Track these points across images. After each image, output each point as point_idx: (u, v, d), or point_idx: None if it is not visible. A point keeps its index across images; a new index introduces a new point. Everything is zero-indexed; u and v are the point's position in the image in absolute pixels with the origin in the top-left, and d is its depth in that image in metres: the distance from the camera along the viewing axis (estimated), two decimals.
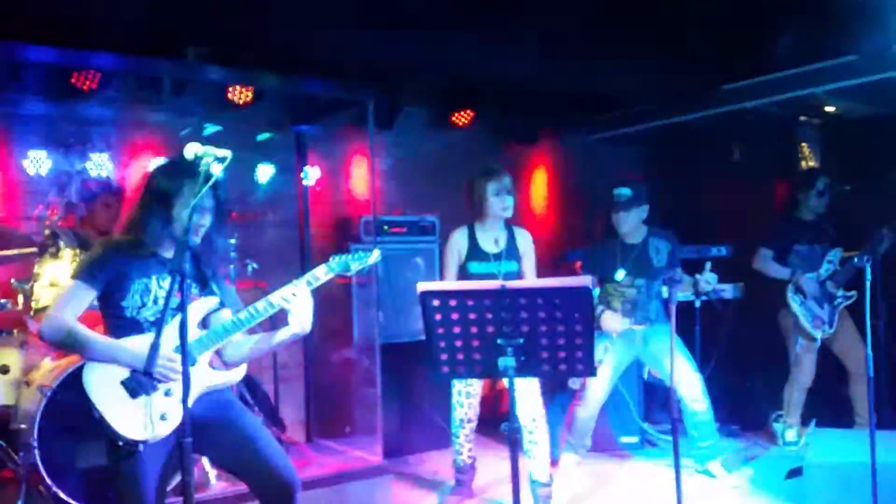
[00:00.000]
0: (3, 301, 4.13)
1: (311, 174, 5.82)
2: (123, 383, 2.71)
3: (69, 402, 3.75)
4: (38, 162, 4.82)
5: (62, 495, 3.57)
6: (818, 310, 5.20)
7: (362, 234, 5.59)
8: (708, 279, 4.41)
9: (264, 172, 5.62)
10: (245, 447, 2.88)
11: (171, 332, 2.69)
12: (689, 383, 4.68)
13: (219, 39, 4.65)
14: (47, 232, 4.32)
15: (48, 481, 3.56)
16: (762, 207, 5.61)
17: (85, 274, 2.77)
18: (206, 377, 2.85)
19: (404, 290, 5.72)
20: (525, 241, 4.38)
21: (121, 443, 2.67)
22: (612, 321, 4.68)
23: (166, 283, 2.81)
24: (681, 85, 5.88)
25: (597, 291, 4.91)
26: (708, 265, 4.43)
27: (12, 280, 4.26)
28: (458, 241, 4.32)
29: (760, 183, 5.98)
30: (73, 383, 3.73)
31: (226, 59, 4.79)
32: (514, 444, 2.66)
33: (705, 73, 5.64)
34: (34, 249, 4.20)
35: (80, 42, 4.27)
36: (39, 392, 3.68)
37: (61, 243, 4.17)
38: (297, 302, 2.82)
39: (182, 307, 2.45)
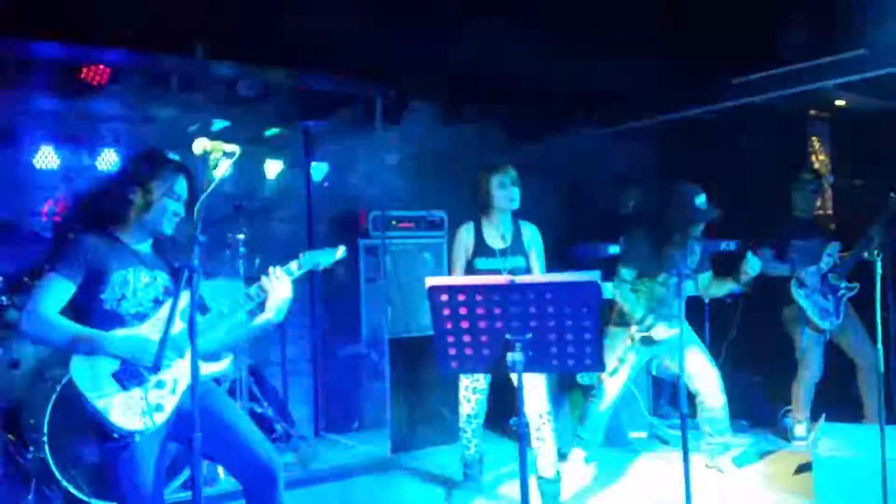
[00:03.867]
0: (13, 296, 4.14)
1: (319, 169, 5.82)
2: (115, 375, 2.70)
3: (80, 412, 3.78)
4: (47, 157, 4.83)
5: (72, 490, 3.59)
6: (823, 302, 5.22)
7: (370, 229, 5.59)
8: (752, 265, 4.37)
9: (272, 168, 5.62)
10: (226, 435, 2.88)
11: (156, 324, 2.73)
12: (707, 378, 4.65)
13: (227, 35, 4.65)
14: (56, 228, 4.34)
15: (58, 476, 3.58)
16: (771, 202, 5.58)
17: (63, 266, 2.73)
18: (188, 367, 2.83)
19: (412, 285, 5.72)
20: (532, 236, 4.37)
21: (116, 434, 2.67)
22: (662, 332, 4.57)
23: (143, 275, 2.83)
24: (689, 79, 5.85)
25: (607, 286, 4.89)
26: (749, 253, 4.42)
27: (25, 279, 4.28)
28: (465, 237, 4.32)
29: (769, 177, 5.94)
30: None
31: (234, 55, 4.80)
32: (522, 439, 2.65)
33: (714, 68, 5.61)
34: (44, 245, 4.22)
35: (89, 38, 4.28)
36: (49, 387, 3.70)
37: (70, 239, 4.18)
38: (274, 291, 2.84)
39: (192, 305, 2.43)
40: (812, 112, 6.37)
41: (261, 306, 2.89)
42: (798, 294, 5.23)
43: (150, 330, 2.77)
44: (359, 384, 5.59)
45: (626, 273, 4.66)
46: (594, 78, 5.84)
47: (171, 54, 4.59)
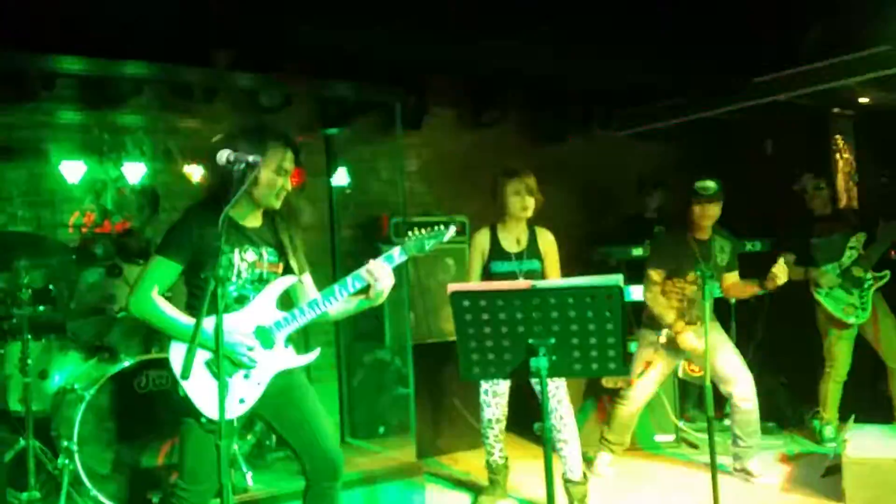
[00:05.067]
0: (41, 307, 4.20)
1: (340, 176, 5.85)
2: (207, 363, 2.74)
3: (108, 405, 3.83)
4: (73, 170, 4.89)
5: (102, 499, 3.63)
6: (847, 297, 5.18)
7: (392, 235, 5.61)
8: (782, 273, 4.33)
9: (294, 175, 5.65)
10: (303, 426, 2.96)
11: (254, 311, 2.80)
12: (740, 382, 4.60)
13: (248, 45, 4.70)
14: (83, 239, 4.40)
15: (88, 485, 3.63)
16: (797, 201, 5.54)
17: (169, 248, 2.78)
18: (280, 358, 2.87)
19: (435, 291, 5.74)
20: (546, 241, 4.38)
21: (203, 420, 2.73)
22: (689, 342, 4.54)
23: (249, 254, 2.85)
24: (710, 78, 5.82)
25: (628, 289, 4.87)
26: (781, 259, 4.40)
27: (50, 286, 4.35)
28: (481, 241, 4.34)
29: (794, 176, 5.89)
30: (111, 387, 3.82)
31: (255, 65, 4.84)
32: (547, 443, 2.65)
33: (735, 66, 5.58)
34: (72, 257, 4.28)
35: (112, 52, 4.34)
36: (78, 396, 3.75)
37: (97, 250, 4.24)
38: (378, 280, 2.83)
39: (219, 315, 2.42)
40: (835, 110, 6.31)
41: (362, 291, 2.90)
42: (818, 293, 5.21)
43: (244, 318, 2.80)
44: (383, 390, 5.61)
45: (654, 275, 4.64)
46: (614, 80, 5.84)
47: (193, 66, 4.63)
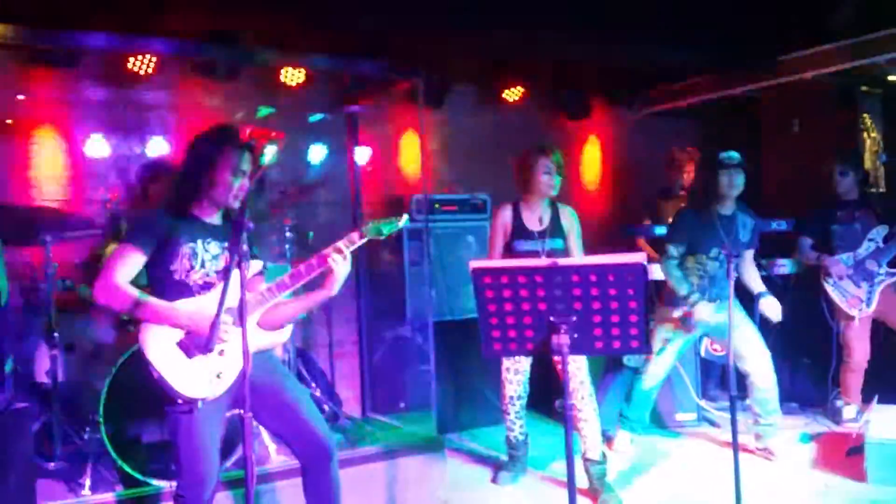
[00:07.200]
0: (69, 282, 4.27)
1: (363, 154, 5.86)
2: (179, 344, 2.81)
3: (134, 378, 3.88)
4: (98, 146, 4.94)
5: (128, 470, 3.69)
6: (854, 289, 5.15)
7: (414, 212, 5.61)
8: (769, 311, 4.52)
9: (317, 153, 5.67)
10: (288, 411, 2.99)
11: (217, 296, 2.78)
12: (757, 360, 4.59)
13: (271, 22, 4.70)
14: (109, 214, 4.44)
15: (114, 456, 3.68)
16: (823, 180, 5.47)
17: (135, 237, 2.84)
18: (255, 339, 2.89)
19: (456, 268, 5.75)
20: (569, 218, 4.36)
21: (180, 401, 2.77)
22: (704, 311, 4.52)
23: (211, 246, 2.92)
24: (737, 56, 5.74)
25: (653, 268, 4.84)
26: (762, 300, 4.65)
27: (77, 261, 4.41)
28: (503, 219, 4.32)
29: (821, 155, 5.82)
30: (137, 360, 3.87)
31: (278, 42, 4.84)
32: (568, 420, 2.66)
33: (762, 44, 5.49)
34: (97, 231, 4.33)
35: (137, 27, 4.36)
36: (105, 369, 3.80)
37: (123, 225, 4.29)
38: (336, 266, 2.89)
39: (242, 291, 2.50)
40: (863, 88, 6.21)
41: (319, 279, 2.94)
42: (826, 282, 5.22)
43: (213, 300, 2.83)
44: (404, 366, 5.64)
45: (672, 249, 4.61)
46: (639, 57, 5.77)
47: (216, 43, 4.64)
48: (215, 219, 3.01)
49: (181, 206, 2.93)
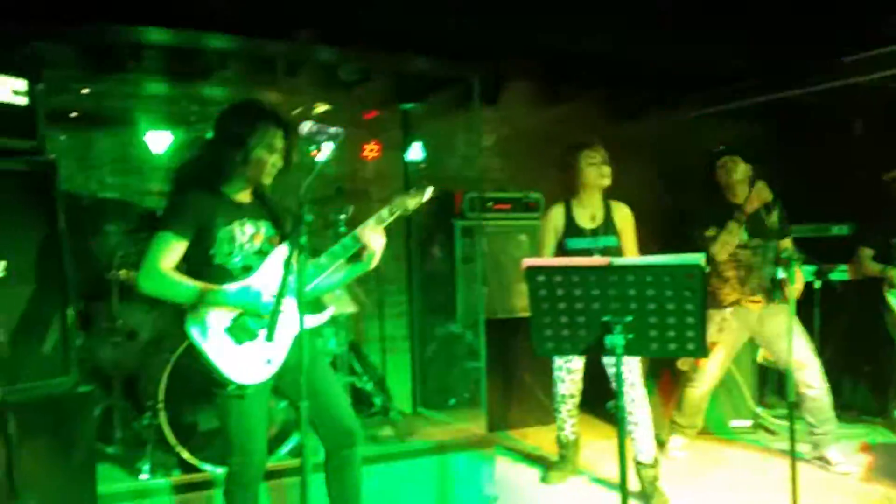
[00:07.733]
0: (131, 272, 4.37)
1: (417, 151, 5.88)
2: (227, 331, 2.82)
3: (192, 366, 3.96)
4: (159, 140, 5.05)
5: (185, 456, 3.77)
6: None
7: (466, 210, 5.62)
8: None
9: (371, 150, 5.72)
10: (318, 396, 2.97)
11: (263, 276, 2.84)
12: (806, 367, 4.50)
13: (328, 20, 4.75)
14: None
15: (172, 442, 3.77)
16: (887, 184, 5.31)
17: (174, 224, 2.83)
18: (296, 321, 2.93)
19: (508, 267, 5.74)
20: (622, 216, 4.30)
21: (231, 387, 2.80)
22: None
23: (247, 227, 2.92)
24: (796, 58, 5.61)
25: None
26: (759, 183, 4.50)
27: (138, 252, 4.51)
28: (555, 218, 4.30)
29: (885, 158, 5.65)
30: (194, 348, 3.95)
31: (335, 40, 4.89)
32: (622, 423, 2.64)
33: (821, 45, 5.36)
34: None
35: (198, 25, 4.45)
36: (165, 357, 3.90)
37: None
38: (369, 241, 2.91)
39: (300, 284, 2.52)
40: None
41: (355, 255, 2.96)
42: (889, 294, 5.07)
43: (258, 281, 2.86)
44: (455, 363, 5.66)
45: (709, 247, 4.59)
46: (694, 57, 5.68)
47: (276, 39, 4.71)
48: (246, 197, 3.00)
49: (213, 186, 2.92)
